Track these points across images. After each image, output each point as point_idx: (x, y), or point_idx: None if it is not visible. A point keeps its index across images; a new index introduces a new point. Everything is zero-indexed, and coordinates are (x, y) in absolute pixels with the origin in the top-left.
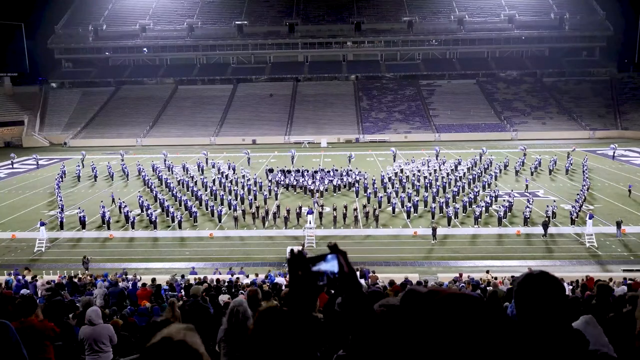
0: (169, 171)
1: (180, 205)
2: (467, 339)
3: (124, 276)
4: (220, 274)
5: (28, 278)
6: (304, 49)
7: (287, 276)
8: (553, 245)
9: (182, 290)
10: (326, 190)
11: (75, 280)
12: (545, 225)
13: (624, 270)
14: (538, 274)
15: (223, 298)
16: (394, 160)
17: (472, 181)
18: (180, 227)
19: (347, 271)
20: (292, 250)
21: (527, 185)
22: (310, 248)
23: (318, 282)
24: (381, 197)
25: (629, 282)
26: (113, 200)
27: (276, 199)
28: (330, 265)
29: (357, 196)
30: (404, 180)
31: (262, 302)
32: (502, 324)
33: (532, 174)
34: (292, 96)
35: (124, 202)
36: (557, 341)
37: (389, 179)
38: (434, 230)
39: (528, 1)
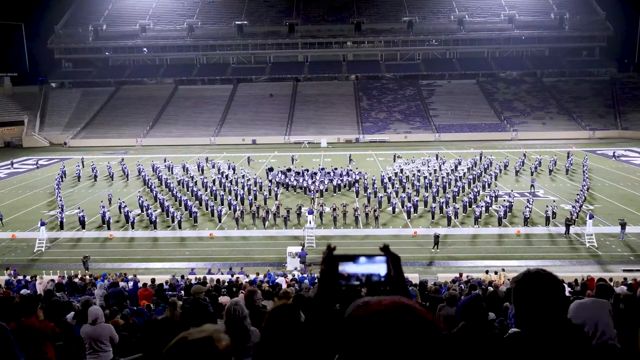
0: (169, 171)
1: (180, 205)
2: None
3: (124, 276)
4: (222, 274)
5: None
6: (304, 49)
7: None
8: (553, 245)
9: (182, 291)
10: (326, 190)
11: (76, 280)
12: (568, 224)
13: (624, 270)
14: (535, 272)
15: (222, 299)
16: (394, 161)
17: (472, 181)
18: (180, 227)
19: (393, 275)
20: (328, 246)
21: (532, 186)
22: (310, 248)
23: (342, 284)
24: (381, 197)
25: (629, 282)
26: (110, 201)
27: (276, 199)
28: (378, 268)
29: (357, 196)
30: (404, 181)
31: (264, 301)
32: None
33: (532, 174)
34: (292, 96)
35: (124, 202)
36: (557, 338)
37: (389, 179)
38: (437, 238)
39: (528, 1)
